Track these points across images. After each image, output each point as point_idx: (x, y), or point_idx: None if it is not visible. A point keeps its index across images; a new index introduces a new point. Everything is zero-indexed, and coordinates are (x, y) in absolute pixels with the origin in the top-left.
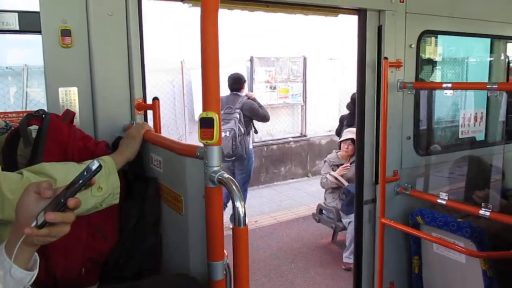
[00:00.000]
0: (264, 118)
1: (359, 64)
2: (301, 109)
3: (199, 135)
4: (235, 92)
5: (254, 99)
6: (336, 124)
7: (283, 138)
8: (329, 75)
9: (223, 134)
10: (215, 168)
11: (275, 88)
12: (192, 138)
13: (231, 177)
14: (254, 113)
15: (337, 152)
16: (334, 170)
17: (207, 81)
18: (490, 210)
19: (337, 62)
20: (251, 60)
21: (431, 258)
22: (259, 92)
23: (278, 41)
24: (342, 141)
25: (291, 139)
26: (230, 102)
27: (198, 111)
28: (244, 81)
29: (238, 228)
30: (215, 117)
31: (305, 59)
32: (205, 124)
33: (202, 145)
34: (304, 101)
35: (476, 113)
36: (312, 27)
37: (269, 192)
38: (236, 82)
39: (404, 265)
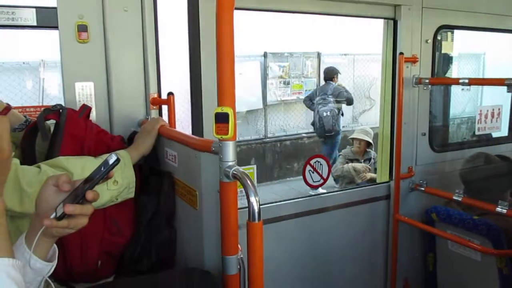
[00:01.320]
0: (350, 102)
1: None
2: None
3: (214, 130)
4: (328, 81)
5: (342, 87)
6: (350, 120)
7: (296, 134)
8: (342, 70)
9: (324, 114)
10: (230, 163)
11: (288, 83)
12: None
13: (245, 172)
14: (342, 97)
15: (351, 148)
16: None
17: (223, 77)
18: (507, 208)
19: (350, 58)
20: (265, 55)
21: (445, 255)
22: (272, 87)
23: (292, 37)
24: (353, 138)
25: (304, 134)
26: (324, 89)
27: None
28: (336, 72)
29: (252, 223)
30: (230, 112)
31: (319, 54)
32: (221, 119)
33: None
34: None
35: (493, 109)
36: (325, 22)
37: (282, 187)
38: (329, 73)
39: (418, 263)
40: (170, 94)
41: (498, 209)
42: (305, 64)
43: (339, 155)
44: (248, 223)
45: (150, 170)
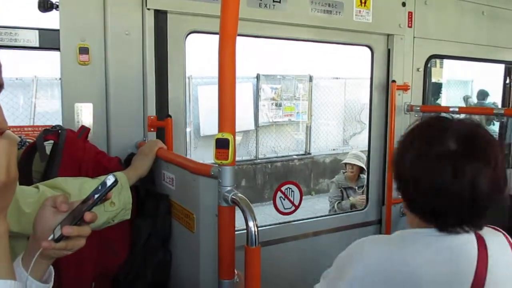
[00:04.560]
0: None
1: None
2: (306, 127)
3: (215, 155)
4: (481, 101)
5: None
6: (340, 143)
7: (287, 156)
8: (333, 93)
9: None
10: (229, 188)
11: (280, 105)
12: (196, 154)
13: (244, 197)
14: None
15: (344, 173)
16: (342, 193)
17: (224, 103)
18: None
19: (341, 81)
20: (258, 77)
21: None
22: (264, 109)
23: (284, 60)
24: (346, 163)
25: (295, 156)
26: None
27: (204, 126)
28: (487, 95)
29: (250, 247)
30: (231, 138)
31: (310, 77)
32: (221, 144)
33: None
34: (309, 119)
35: None
36: (317, 46)
37: (273, 209)
38: (480, 95)
39: None
40: (168, 116)
41: None
42: (297, 86)
43: (331, 181)
44: (246, 247)
45: (146, 192)
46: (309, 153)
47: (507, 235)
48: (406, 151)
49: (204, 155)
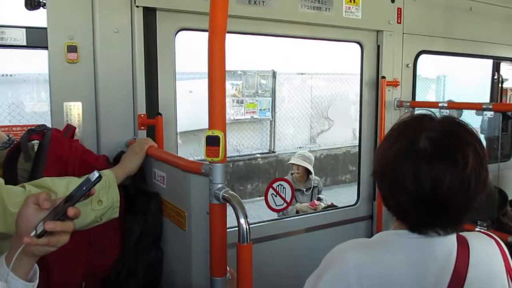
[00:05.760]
0: None
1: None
2: (269, 124)
3: (205, 152)
4: None
5: None
6: (307, 141)
7: (250, 154)
8: (299, 90)
9: None
10: (220, 185)
11: (242, 102)
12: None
13: (235, 194)
14: None
15: (292, 175)
16: None
17: (214, 100)
18: (486, 229)
19: (307, 77)
20: None
21: None
22: (225, 106)
23: (246, 55)
24: (292, 164)
25: (258, 155)
26: None
27: (180, 122)
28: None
29: (242, 245)
30: (221, 135)
31: (274, 73)
32: (211, 142)
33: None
34: (273, 116)
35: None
36: (281, 41)
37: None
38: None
39: None
40: (158, 114)
41: (477, 229)
42: (260, 82)
43: None
44: (238, 244)
45: (137, 190)
46: (274, 152)
47: (499, 241)
48: (381, 146)
49: (180, 152)
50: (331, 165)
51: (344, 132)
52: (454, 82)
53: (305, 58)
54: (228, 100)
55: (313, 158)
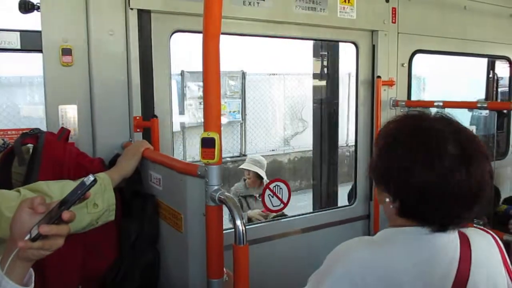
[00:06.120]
0: None
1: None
2: (240, 126)
3: (201, 154)
4: None
5: None
6: (281, 143)
7: None
8: (271, 91)
9: None
10: (216, 187)
11: None
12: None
13: (231, 196)
14: None
15: (245, 180)
16: (241, 202)
17: (209, 102)
18: (482, 227)
19: (279, 78)
20: (182, 74)
21: None
22: (192, 109)
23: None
24: (243, 169)
25: (228, 158)
26: None
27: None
28: None
29: (238, 246)
30: (217, 137)
31: (243, 74)
32: (207, 144)
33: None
34: (243, 118)
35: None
36: (251, 41)
37: None
38: None
39: None
40: (154, 117)
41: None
42: (229, 84)
43: (230, 190)
44: (234, 246)
45: (133, 193)
46: (245, 155)
47: (495, 236)
48: (395, 147)
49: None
50: (305, 168)
51: None
52: (438, 81)
53: (277, 58)
54: (195, 102)
55: (265, 163)
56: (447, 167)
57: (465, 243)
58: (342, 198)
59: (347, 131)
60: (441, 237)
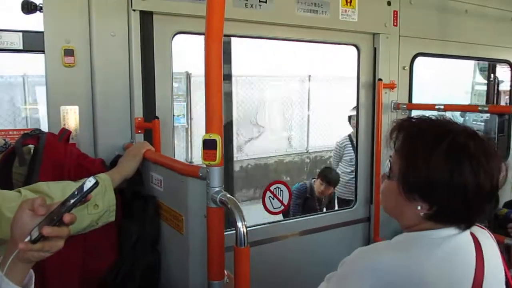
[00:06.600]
0: None
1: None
2: (185, 132)
3: (202, 156)
4: None
5: None
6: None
7: None
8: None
9: None
10: (217, 189)
11: None
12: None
13: (233, 198)
14: None
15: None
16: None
17: (211, 104)
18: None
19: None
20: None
21: None
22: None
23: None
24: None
25: None
26: None
27: None
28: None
29: (239, 248)
30: (218, 138)
31: (188, 75)
32: (208, 145)
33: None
34: (189, 123)
35: None
36: (196, 41)
37: None
38: None
39: None
40: (155, 118)
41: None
42: (172, 86)
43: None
44: (236, 248)
45: (134, 194)
46: (191, 162)
47: (490, 233)
48: (429, 154)
49: None
50: (260, 176)
51: (276, 139)
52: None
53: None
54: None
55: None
56: (494, 167)
57: (478, 246)
58: None
59: (307, 137)
60: (459, 240)
